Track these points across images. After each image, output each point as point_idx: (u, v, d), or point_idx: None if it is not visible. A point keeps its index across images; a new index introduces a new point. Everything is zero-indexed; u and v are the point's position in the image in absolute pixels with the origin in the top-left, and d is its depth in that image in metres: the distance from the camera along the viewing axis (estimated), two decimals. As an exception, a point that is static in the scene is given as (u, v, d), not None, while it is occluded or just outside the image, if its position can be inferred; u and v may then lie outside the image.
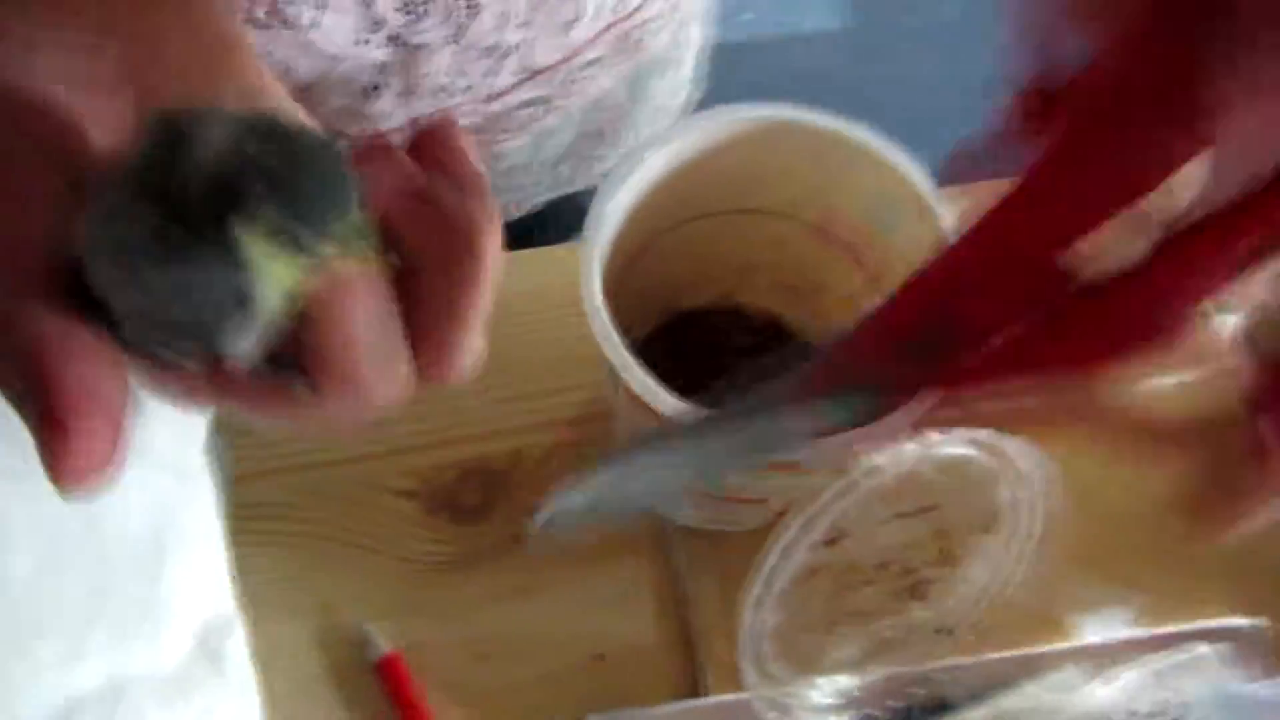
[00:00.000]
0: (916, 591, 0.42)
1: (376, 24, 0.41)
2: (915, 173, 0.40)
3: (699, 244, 0.46)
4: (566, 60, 0.50)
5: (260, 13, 0.38)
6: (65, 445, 0.24)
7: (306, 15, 0.39)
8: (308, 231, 0.23)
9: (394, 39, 0.42)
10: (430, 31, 0.42)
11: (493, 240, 0.29)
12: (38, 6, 0.30)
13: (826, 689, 0.42)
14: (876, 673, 0.43)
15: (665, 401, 0.36)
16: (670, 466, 0.29)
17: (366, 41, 0.41)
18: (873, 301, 0.42)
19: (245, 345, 0.25)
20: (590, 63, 0.51)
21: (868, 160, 0.40)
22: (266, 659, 0.43)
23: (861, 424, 0.28)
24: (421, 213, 0.28)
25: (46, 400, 0.24)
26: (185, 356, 0.26)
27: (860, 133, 0.40)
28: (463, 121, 0.49)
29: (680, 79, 0.63)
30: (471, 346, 0.30)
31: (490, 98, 0.49)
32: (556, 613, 0.46)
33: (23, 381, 0.25)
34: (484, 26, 0.44)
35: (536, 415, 0.49)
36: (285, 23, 0.39)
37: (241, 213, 0.23)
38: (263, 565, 0.45)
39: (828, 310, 0.47)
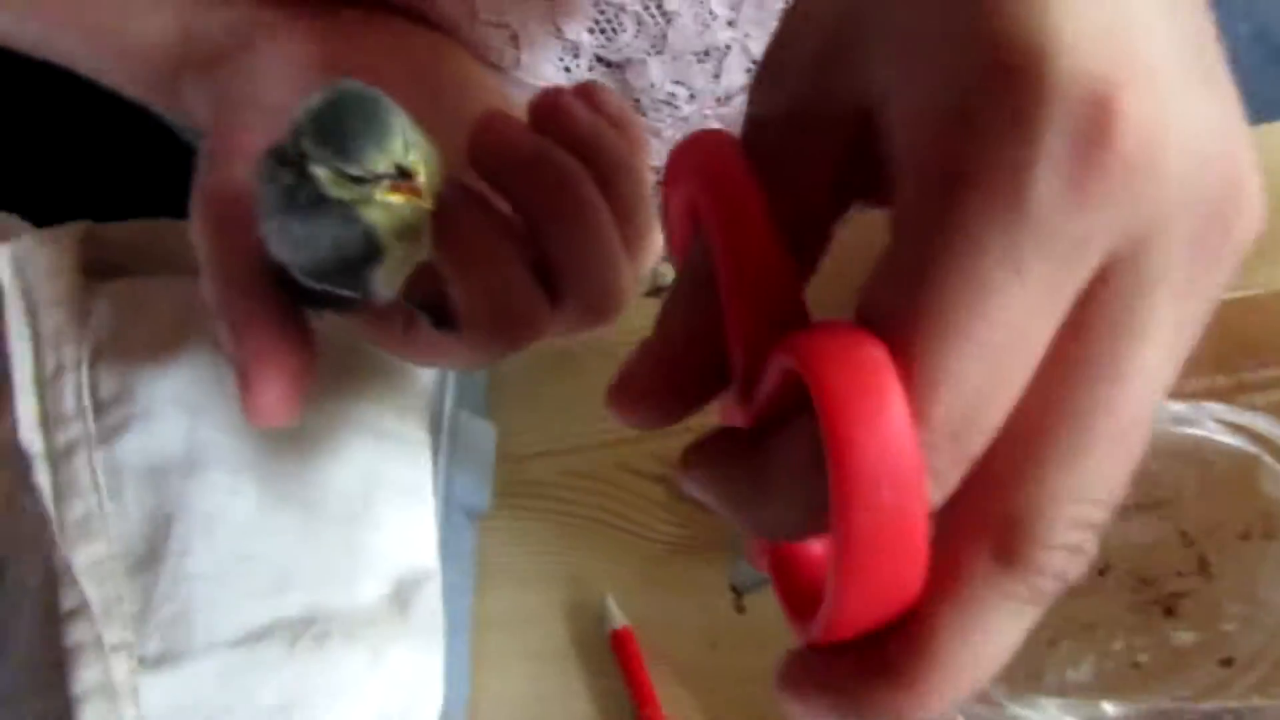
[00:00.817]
0: (1170, 608, 0.35)
1: (574, 49, 0.43)
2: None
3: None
4: None
5: None
6: (248, 391, 0.32)
7: (508, 56, 0.42)
8: (353, 165, 0.28)
9: (599, 60, 0.44)
10: (630, 46, 0.44)
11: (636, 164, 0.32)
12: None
13: (1056, 713, 0.36)
14: (1137, 705, 0.36)
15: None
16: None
17: (570, 70, 0.44)
18: None
19: (384, 282, 0.30)
20: None
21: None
22: (517, 623, 0.47)
23: None
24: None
25: (235, 360, 0.33)
26: (346, 299, 0.31)
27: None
28: (705, 127, 0.49)
29: None
30: (628, 271, 0.33)
31: (722, 100, 0.48)
32: (790, 603, 0.44)
33: (223, 337, 0.33)
34: (686, 33, 0.44)
35: (785, 401, 0.48)
36: (492, 65, 0.42)
37: (310, 159, 0.28)
38: (527, 538, 0.49)
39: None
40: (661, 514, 0.48)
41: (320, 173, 0.28)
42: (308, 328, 0.34)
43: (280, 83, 0.36)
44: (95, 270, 0.40)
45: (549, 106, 0.32)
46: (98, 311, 0.39)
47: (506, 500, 0.49)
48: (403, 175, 0.28)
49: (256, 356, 0.32)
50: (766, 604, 0.45)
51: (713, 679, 0.44)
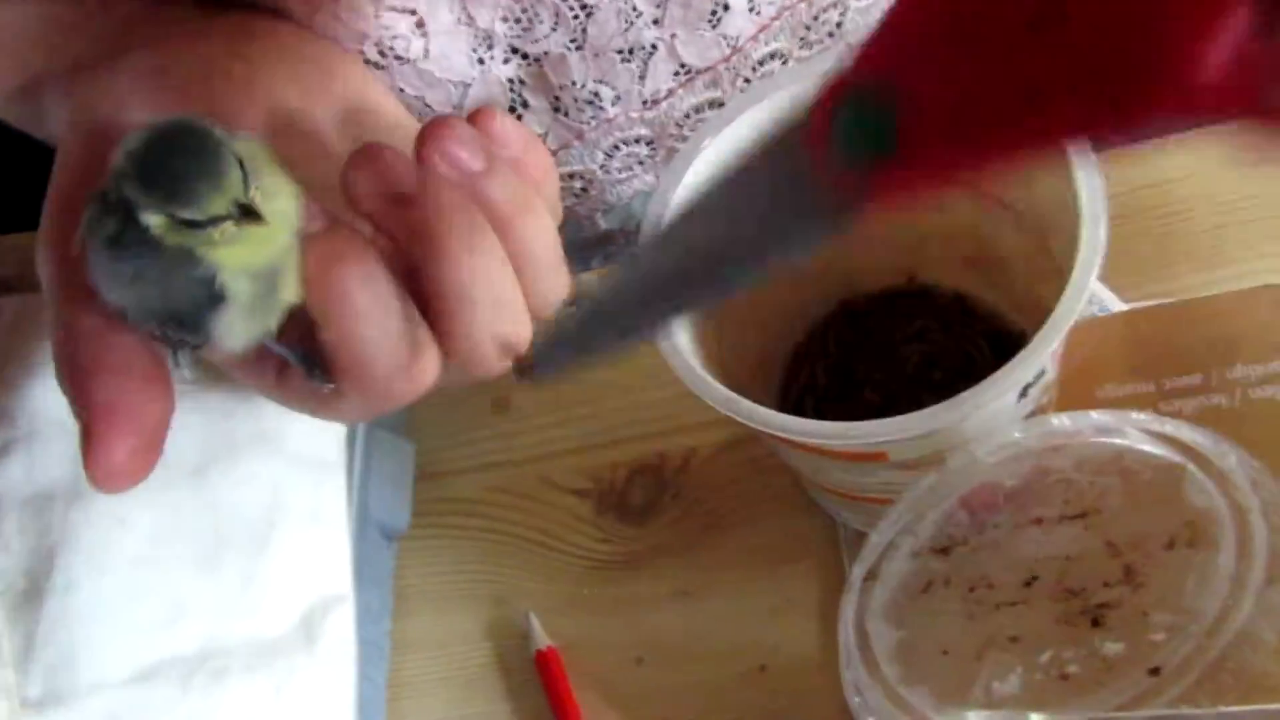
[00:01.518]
0: (1097, 618, 0.35)
1: (487, 39, 0.41)
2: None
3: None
4: (728, 58, 0.45)
5: (372, 53, 0.40)
6: (90, 450, 0.29)
7: (415, 45, 0.40)
8: (187, 209, 0.25)
9: (514, 51, 0.42)
10: (547, 39, 0.42)
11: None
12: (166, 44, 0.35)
13: (986, 726, 0.35)
14: (1065, 716, 0.36)
15: (719, 396, 0.33)
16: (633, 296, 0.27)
17: (484, 61, 0.42)
18: (1052, 271, 0.36)
19: (234, 329, 0.28)
20: (769, 56, 0.46)
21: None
22: (438, 645, 0.45)
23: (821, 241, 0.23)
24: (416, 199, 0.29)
25: (79, 410, 0.29)
26: (184, 344, 0.29)
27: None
28: (632, 132, 0.48)
29: None
30: (521, 320, 0.30)
31: (649, 104, 0.46)
32: (718, 619, 0.44)
33: (65, 387, 0.30)
34: (607, 28, 0.42)
35: (711, 412, 0.47)
36: (399, 58, 0.40)
37: (138, 207, 0.26)
38: (443, 557, 0.47)
39: (1018, 285, 0.41)
40: (586, 529, 0.47)
41: (152, 220, 0.26)
42: (164, 372, 0.30)
43: (146, 104, 0.33)
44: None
45: (435, 136, 0.29)
46: (-18, 330, 0.36)
47: (426, 519, 0.48)
48: (245, 213, 0.26)
49: (101, 409, 0.29)
50: (694, 617, 0.45)
51: (639, 697, 0.43)
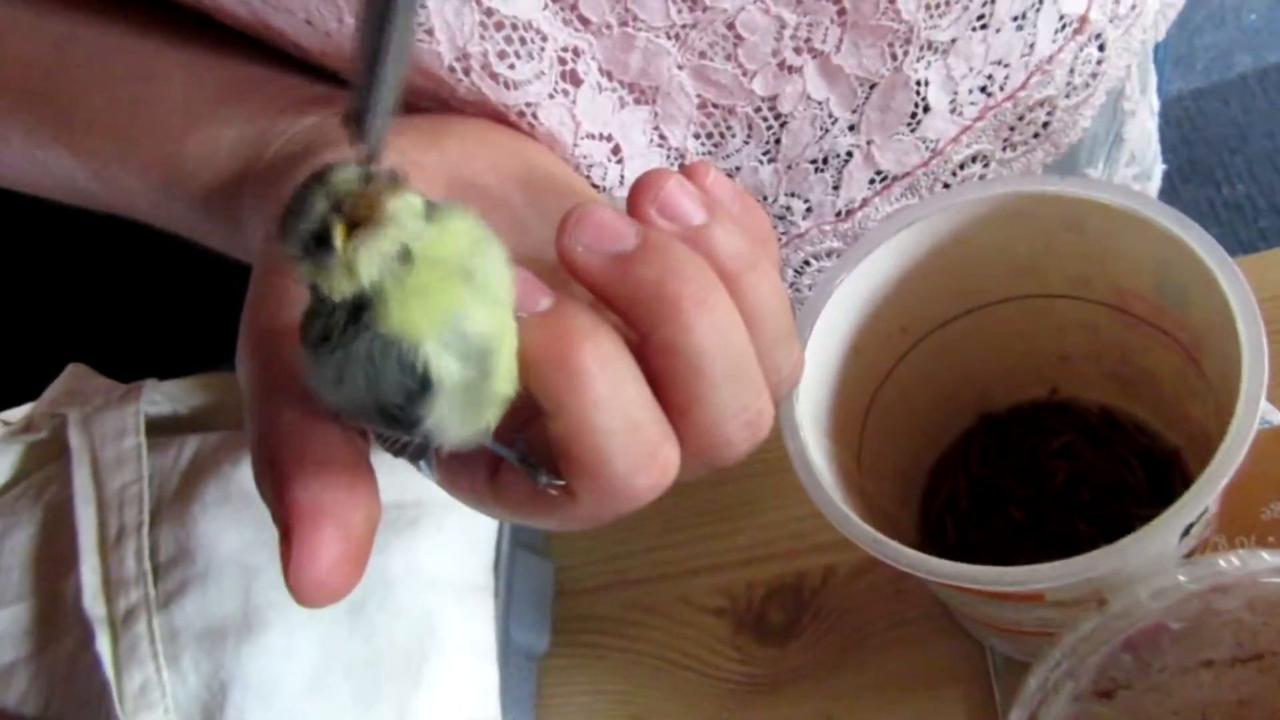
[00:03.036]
0: (1274, 763, 0.33)
1: (681, 157, 0.40)
2: (1192, 236, 0.32)
3: (995, 338, 0.41)
4: (927, 162, 0.43)
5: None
6: (292, 558, 0.24)
7: (611, 173, 0.38)
8: (301, 223, 0.22)
9: None
10: (739, 153, 0.40)
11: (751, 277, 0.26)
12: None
13: None
14: None
15: (865, 537, 0.33)
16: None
17: None
18: (1203, 390, 0.35)
19: (447, 422, 0.24)
20: (970, 159, 0.44)
21: (1135, 224, 0.34)
22: (581, 768, 0.46)
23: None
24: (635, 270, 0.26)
25: (279, 511, 0.25)
26: (403, 444, 0.25)
27: (1118, 195, 0.34)
28: (824, 245, 0.46)
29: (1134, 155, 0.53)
30: (764, 394, 0.27)
31: (843, 214, 0.44)
32: (863, 746, 0.43)
33: (264, 488, 0.26)
34: (801, 138, 0.40)
35: (849, 530, 0.47)
36: (595, 186, 0.38)
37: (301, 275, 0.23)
38: (582, 676, 0.47)
39: (1166, 400, 0.39)
40: (725, 650, 0.46)
41: (302, 270, 0.23)
42: (371, 474, 0.26)
43: None
44: (156, 426, 0.41)
45: (650, 186, 0.26)
46: (158, 470, 0.39)
47: (564, 637, 0.48)
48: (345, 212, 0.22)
49: (304, 510, 0.24)
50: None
51: (785, 828, 0.43)
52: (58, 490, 0.41)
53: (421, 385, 0.23)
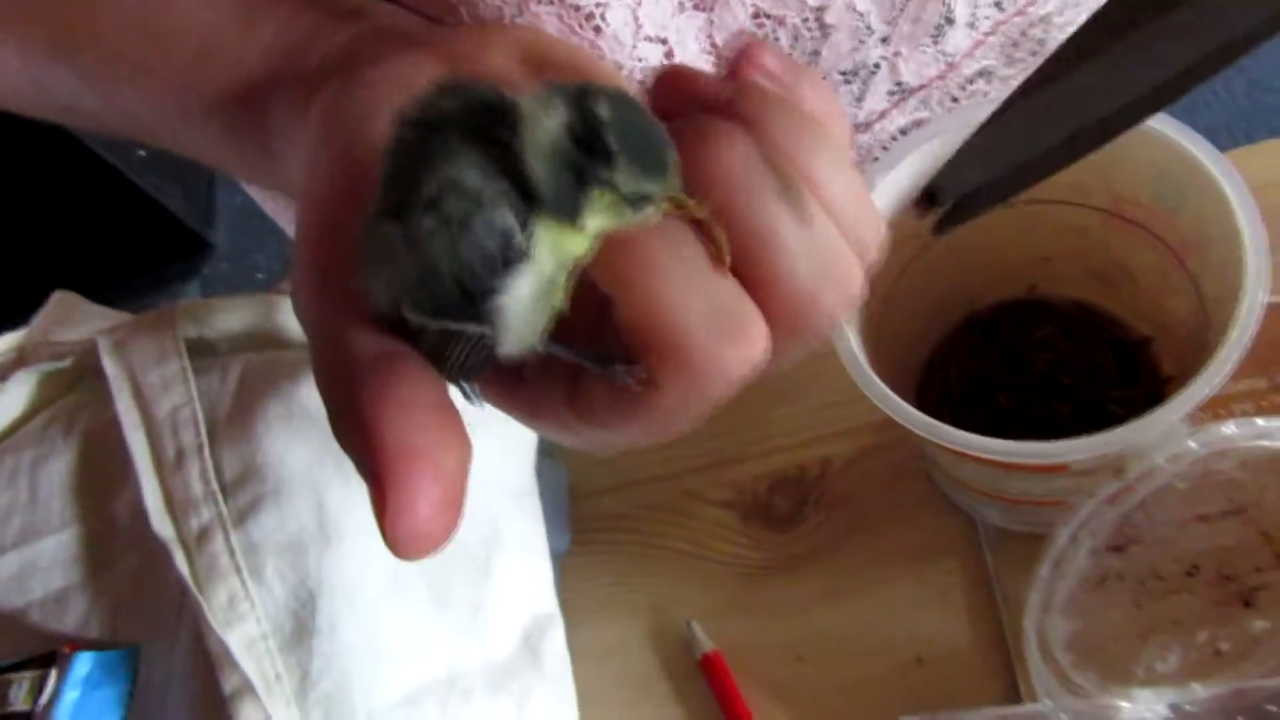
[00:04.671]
0: (1248, 600, 0.38)
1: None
2: (1194, 144, 0.36)
3: (991, 239, 0.45)
4: (944, 75, 0.46)
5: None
6: (386, 507, 0.22)
7: (654, 54, 0.39)
8: (648, 183, 0.22)
9: None
10: None
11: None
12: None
13: (1149, 700, 0.39)
14: (1217, 686, 0.39)
15: (944, 435, 0.36)
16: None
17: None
18: (1185, 286, 0.38)
19: (517, 308, 0.23)
20: (977, 75, 0.47)
21: (1141, 136, 0.37)
22: (605, 654, 0.48)
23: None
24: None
25: (367, 459, 0.23)
26: (453, 358, 0.24)
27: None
28: None
29: None
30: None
31: (860, 127, 0.46)
32: (871, 616, 0.47)
33: (346, 433, 0.24)
34: (840, 49, 0.42)
35: (843, 423, 0.50)
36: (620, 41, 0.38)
37: (592, 176, 0.22)
38: (602, 571, 0.50)
39: (1143, 295, 0.44)
40: (735, 538, 0.50)
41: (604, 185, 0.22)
42: (455, 409, 0.24)
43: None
44: (195, 349, 0.41)
45: (748, 53, 0.26)
46: (205, 393, 0.39)
47: (581, 536, 0.51)
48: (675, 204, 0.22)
49: (396, 454, 0.22)
50: (847, 616, 0.48)
51: (803, 693, 0.47)
52: (92, 416, 0.41)
53: (507, 255, 0.22)
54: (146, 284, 1.64)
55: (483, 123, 0.22)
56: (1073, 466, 0.35)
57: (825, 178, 0.25)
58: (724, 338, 0.23)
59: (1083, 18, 0.49)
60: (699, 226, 0.24)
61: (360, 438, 0.23)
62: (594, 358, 0.25)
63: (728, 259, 0.24)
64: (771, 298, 0.24)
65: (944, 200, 0.26)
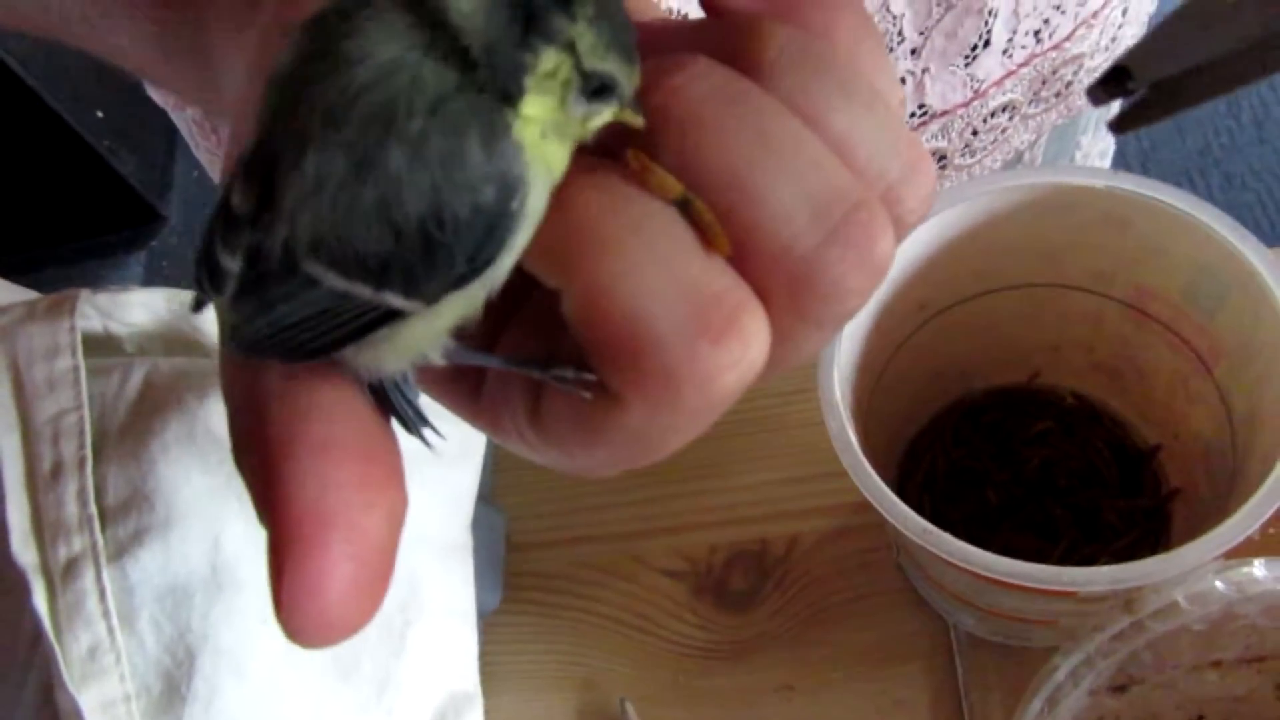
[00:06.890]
0: (1253, 754, 0.34)
1: None
2: (1242, 241, 0.32)
3: (997, 320, 0.41)
4: (969, 102, 0.44)
5: None
6: (282, 584, 0.17)
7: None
8: (614, 60, 0.17)
9: None
10: None
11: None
12: None
13: None
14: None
15: (917, 528, 0.32)
16: None
17: None
18: (1208, 396, 0.35)
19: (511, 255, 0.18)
20: (1001, 108, 0.45)
21: (1184, 228, 0.34)
22: (528, 730, 0.44)
23: None
24: None
25: (267, 513, 0.18)
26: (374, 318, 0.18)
27: (1174, 196, 0.34)
28: None
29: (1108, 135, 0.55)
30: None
31: None
32: (824, 718, 0.43)
33: (247, 472, 0.18)
34: None
35: (817, 499, 0.46)
36: None
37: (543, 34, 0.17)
38: (532, 635, 0.45)
39: (1155, 398, 0.40)
40: (683, 614, 0.45)
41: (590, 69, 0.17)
42: (394, 444, 0.19)
43: None
44: (95, 346, 0.35)
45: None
46: (98, 398, 0.34)
47: (512, 594, 0.46)
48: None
49: (303, 510, 0.17)
50: (798, 714, 0.43)
51: (740, 796, 0.42)
52: (-37, 412, 0.35)
53: (501, 197, 0.17)
54: (88, 249, 1.56)
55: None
56: (1082, 593, 0.31)
57: (827, 105, 0.19)
58: (701, 331, 0.18)
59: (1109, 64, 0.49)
60: (682, 206, 0.18)
61: (260, 486, 0.18)
62: (524, 361, 0.19)
63: (720, 236, 0.18)
64: (760, 264, 0.18)
65: (1136, 84, 0.21)
